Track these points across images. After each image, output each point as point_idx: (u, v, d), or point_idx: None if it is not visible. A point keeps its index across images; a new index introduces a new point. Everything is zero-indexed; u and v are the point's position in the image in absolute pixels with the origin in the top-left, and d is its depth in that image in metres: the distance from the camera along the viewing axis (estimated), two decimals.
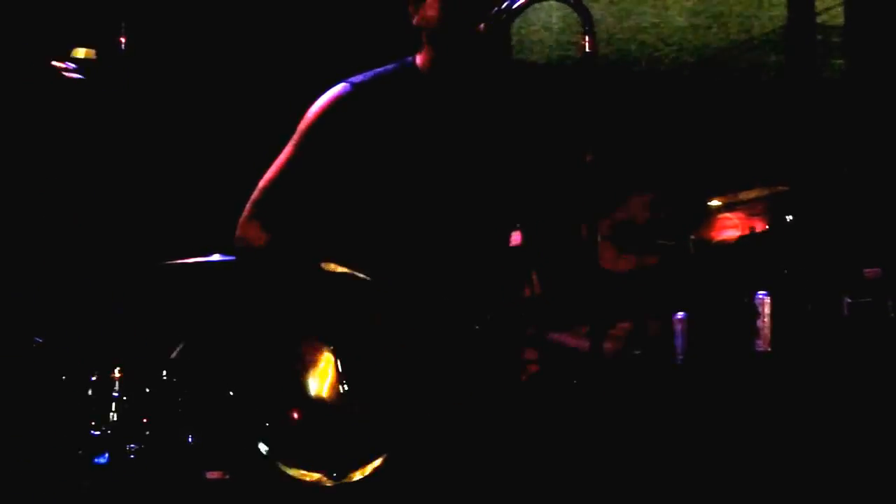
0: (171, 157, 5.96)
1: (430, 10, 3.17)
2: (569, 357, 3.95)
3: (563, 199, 3.43)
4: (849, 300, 4.44)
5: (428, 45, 3.24)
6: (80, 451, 4.65)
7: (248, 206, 3.25)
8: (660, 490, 4.37)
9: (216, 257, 4.88)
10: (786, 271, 4.56)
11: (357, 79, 3.24)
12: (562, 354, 3.93)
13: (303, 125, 3.22)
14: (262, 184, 3.24)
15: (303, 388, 3.14)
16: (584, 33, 2.78)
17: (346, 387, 3.09)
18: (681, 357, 4.41)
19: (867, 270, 4.50)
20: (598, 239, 3.18)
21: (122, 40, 5.69)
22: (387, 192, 3.17)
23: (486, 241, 3.32)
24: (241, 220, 3.23)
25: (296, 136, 3.23)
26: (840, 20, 6.71)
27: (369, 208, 3.21)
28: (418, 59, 3.27)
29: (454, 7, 3.12)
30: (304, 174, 3.20)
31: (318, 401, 3.12)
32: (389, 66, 3.32)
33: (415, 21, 3.27)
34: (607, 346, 4.57)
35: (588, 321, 2.89)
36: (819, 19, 6.63)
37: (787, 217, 5.25)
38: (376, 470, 2.98)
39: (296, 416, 3.14)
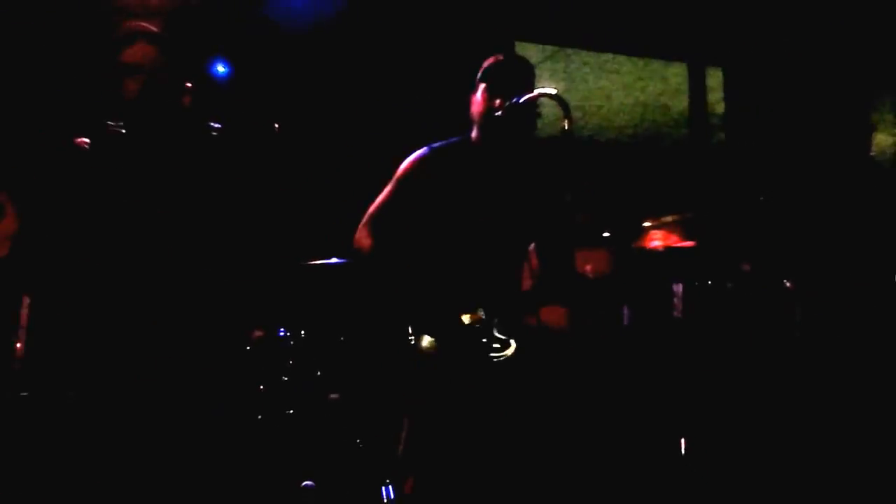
0: (304, 182, 5.91)
1: (476, 103, 3.96)
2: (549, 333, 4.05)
3: (556, 225, 4.02)
4: (730, 285, 5.38)
5: (475, 124, 4.00)
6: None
7: (360, 225, 4.01)
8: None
9: (334, 260, 5.13)
10: (694, 267, 5.25)
11: (435, 145, 4.04)
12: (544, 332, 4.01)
13: (397, 173, 4.02)
14: (370, 210, 4.02)
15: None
16: (565, 117, 3.57)
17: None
18: (626, 322, 5.34)
19: (743, 265, 5.47)
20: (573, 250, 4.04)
21: None
22: (448, 222, 3.92)
23: (512, 256, 4.01)
24: (356, 235, 4.02)
25: (393, 180, 4.03)
26: (722, 109, 7.97)
27: (437, 233, 3.95)
28: (473, 134, 4.03)
29: (487, 99, 3.89)
30: (396, 206, 3.99)
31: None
32: (456, 138, 4.07)
33: (470, 108, 4.02)
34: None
35: (567, 304, 3.84)
36: (710, 108, 7.63)
37: (760, 197, 5.79)
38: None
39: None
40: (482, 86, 3.89)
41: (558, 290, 3.98)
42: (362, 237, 3.98)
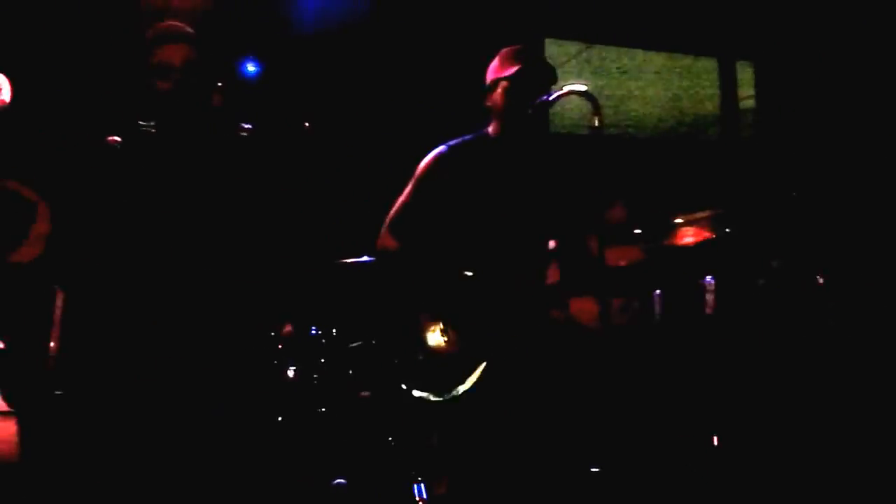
0: (335, 180, 5.86)
1: (497, 97, 4.00)
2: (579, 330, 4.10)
3: (582, 219, 4.04)
4: (761, 281, 5.26)
5: (495, 120, 4.06)
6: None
7: (383, 228, 4.06)
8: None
9: (365, 258, 5.05)
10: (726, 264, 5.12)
11: (452, 142, 4.09)
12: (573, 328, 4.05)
13: (417, 173, 4.07)
14: (392, 211, 4.07)
15: (425, 342, 3.85)
16: (595, 114, 3.63)
17: (451, 340, 3.78)
18: (658, 316, 5.22)
19: (774, 261, 5.31)
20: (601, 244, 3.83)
21: None
22: (473, 218, 3.95)
23: (537, 252, 4.02)
24: (380, 236, 4.07)
25: (412, 180, 4.08)
26: (753, 103, 7.83)
27: (461, 230, 3.97)
28: (490, 129, 4.09)
29: (513, 97, 3.94)
30: (418, 206, 4.04)
31: (436, 349, 3.83)
32: (472, 135, 4.12)
33: (486, 103, 4.07)
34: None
35: (595, 294, 3.77)
36: (741, 103, 7.65)
37: (792, 193, 5.65)
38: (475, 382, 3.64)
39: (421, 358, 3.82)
40: (504, 83, 3.93)
41: (587, 281, 3.97)
42: (386, 239, 4.03)
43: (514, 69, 3.93)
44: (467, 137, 4.10)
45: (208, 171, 3.72)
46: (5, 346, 3.55)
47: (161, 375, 3.53)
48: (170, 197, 3.63)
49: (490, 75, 4.07)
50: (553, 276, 4.12)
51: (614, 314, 4.65)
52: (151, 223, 3.60)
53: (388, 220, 4.05)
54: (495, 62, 4.07)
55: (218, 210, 3.68)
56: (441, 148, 4.05)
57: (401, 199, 4.06)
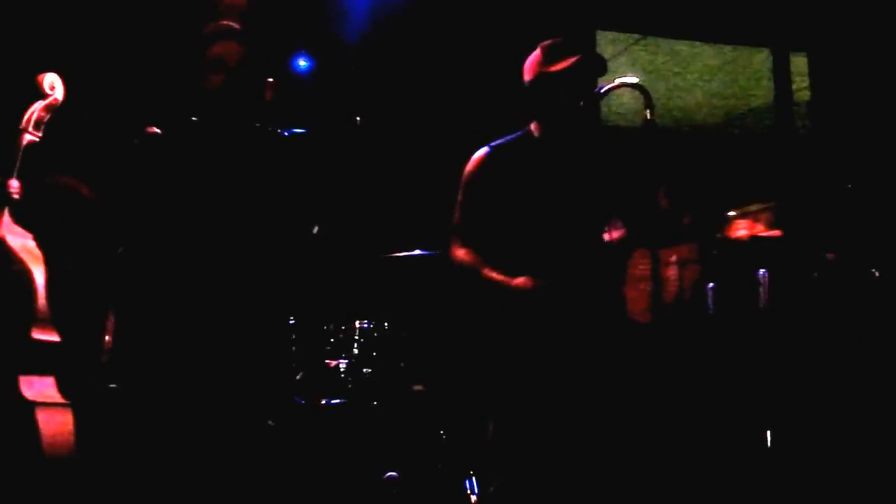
0: (386, 174, 5.91)
1: (547, 93, 3.90)
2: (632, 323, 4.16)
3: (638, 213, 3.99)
4: (816, 274, 5.30)
5: (541, 116, 3.99)
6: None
7: (450, 243, 4.01)
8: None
9: (417, 251, 5.11)
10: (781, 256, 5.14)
11: (494, 143, 4.04)
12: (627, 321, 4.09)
13: (463, 179, 4.02)
14: (453, 223, 4.02)
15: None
16: (647, 107, 3.65)
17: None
18: (711, 310, 5.24)
19: (828, 255, 5.36)
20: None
21: None
22: (520, 217, 3.90)
23: (584, 248, 3.95)
24: (450, 252, 4.00)
25: (461, 187, 4.03)
26: (807, 95, 7.75)
27: (512, 230, 3.93)
28: (532, 127, 4.03)
29: (568, 91, 3.86)
30: (475, 211, 3.97)
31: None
32: (514, 134, 4.07)
33: (530, 100, 3.98)
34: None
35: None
36: (795, 95, 7.55)
37: (847, 185, 5.68)
38: None
39: None
40: (556, 78, 3.83)
41: (645, 232, 3.94)
42: (457, 250, 3.96)
43: (568, 62, 3.82)
44: (510, 137, 4.06)
45: (249, 166, 3.80)
46: (61, 339, 3.51)
47: (198, 367, 3.61)
48: (209, 189, 3.72)
49: (532, 71, 3.97)
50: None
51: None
52: (189, 213, 3.69)
53: (452, 237, 3.99)
54: (535, 58, 3.97)
55: (253, 204, 3.76)
56: (484, 150, 4.01)
57: (456, 210, 4.01)
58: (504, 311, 3.84)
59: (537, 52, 3.96)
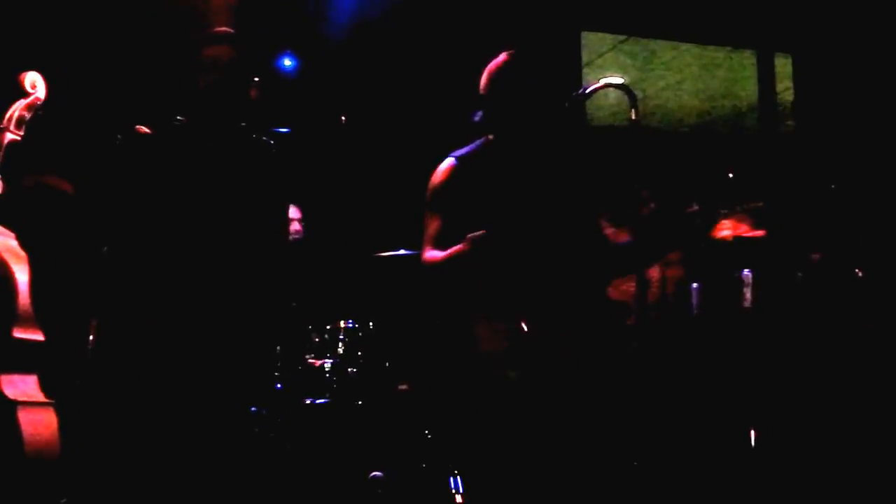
0: (370, 173, 5.86)
1: (513, 99, 3.81)
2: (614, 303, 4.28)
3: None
4: (800, 274, 5.34)
5: (499, 126, 3.88)
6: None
7: (423, 254, 3.90)
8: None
9: (402, 251, 5.02)
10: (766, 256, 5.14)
11: (458, 153, 3.95)
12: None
13: (430, 191, 3.94)
14: (424, 237, 3.92)
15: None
16: (632, 107, 3.63)
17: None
18: (695, 311, 5.27)
19: (813, 255, 5.39)
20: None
21: None
22: (489, 221, 3.68)
23: (559, 252, 3.86)
24: (422, 258, 3.90)
25: (428, 201, 3.94)
26: (791, 96, 7.79)
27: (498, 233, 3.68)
28: (492, 136, 3.92)
29: (510, 83, 3.82)
30: (447, 221, 3.85)
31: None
32: (476, 142, 3.98)
33: (486, 114, 3.89)
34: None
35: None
36: (779, 96, 7.61)
37: (830, 186, 5.74)
38: None
39: None
40: (501, 77, 3.81)
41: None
42: (430, 257, 3.86)
43: (501, 60, 3.85)
44: (473, 146, 3.99)
45: (235, 166, 3.80)
46: (45, 337, 3.50)
47: (187, 366, 3.60)
48: (195, 188, 3.71)
49: (486, 88, 3.92)
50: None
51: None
52: (175, 212, 3.68)
53: (424, 246, 3.91)
54: (483, 80, 3.93)
55: (241, 204, 3.75)
56: (449, 161, 3.94)
57: (427, 224, 3.91)
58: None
59: (483, 78, 3.94)
